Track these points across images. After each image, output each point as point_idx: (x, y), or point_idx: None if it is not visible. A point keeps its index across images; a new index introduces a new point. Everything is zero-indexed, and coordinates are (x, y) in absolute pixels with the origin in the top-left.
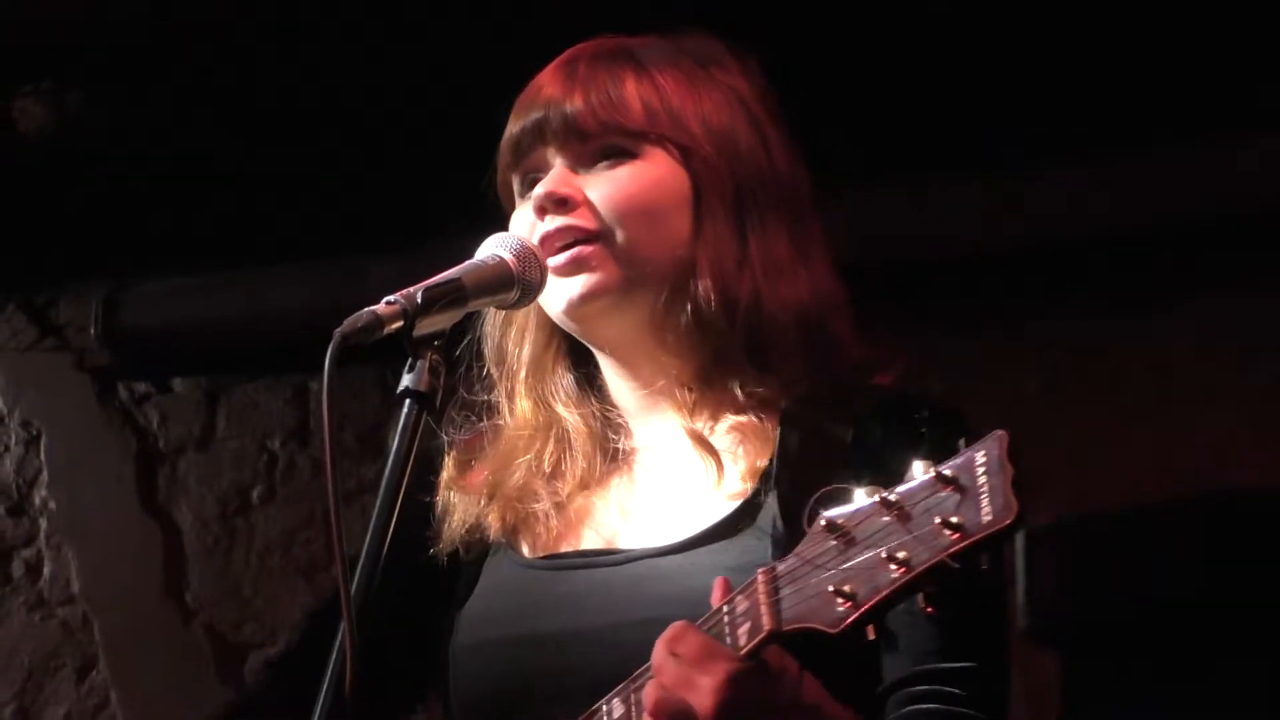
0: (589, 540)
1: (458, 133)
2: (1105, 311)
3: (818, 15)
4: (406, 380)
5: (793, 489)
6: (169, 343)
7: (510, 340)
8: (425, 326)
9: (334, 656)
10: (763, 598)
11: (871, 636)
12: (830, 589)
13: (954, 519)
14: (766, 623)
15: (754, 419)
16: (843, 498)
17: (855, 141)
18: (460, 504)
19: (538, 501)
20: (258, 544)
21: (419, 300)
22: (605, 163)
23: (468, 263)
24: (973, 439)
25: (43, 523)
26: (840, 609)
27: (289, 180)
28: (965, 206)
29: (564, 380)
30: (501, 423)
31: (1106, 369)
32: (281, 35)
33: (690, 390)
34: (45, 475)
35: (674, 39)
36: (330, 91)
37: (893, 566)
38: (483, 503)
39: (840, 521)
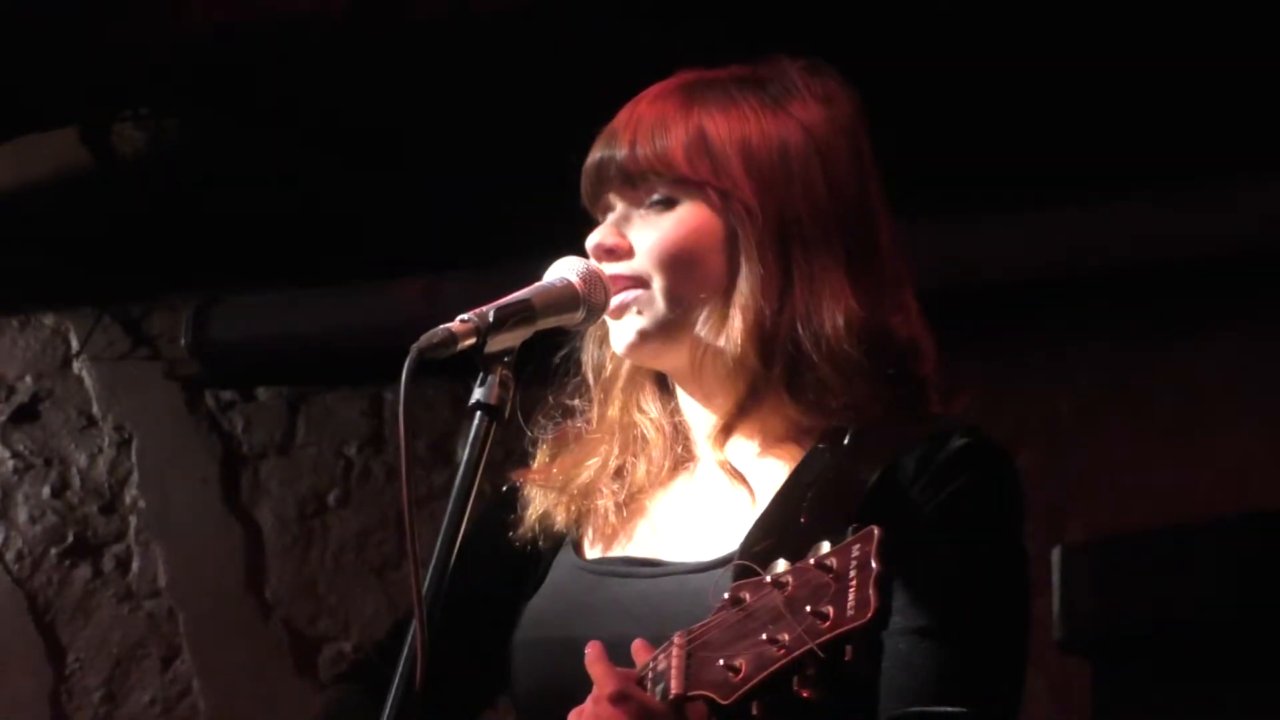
0: (639, 545)
1: (531, 154)
2: (1137, 339)
3: (860, 42)
4: (478, 394)
5: (767, 531)
6: (254, 354)
7: (609, 354)
8: (496, 343)
9: (405, 654)
10: (676, 662)
11: (755, 713)
12: (721, 662)
13: (825, 609)
14: (675, 686)
15: (796, 447)
16: (765, 562)
17: (900, 166)
18: (536, 497)
19: (600, 498)
20: (333, 544)
21: (491, 318)
22: (653, 209)
23: (537, 284)
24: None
25: (132, 520)
26: (733, 681)
27: (370, 201)
28: (1004, 234)
29: (649, 393)
30: (585, 424)
31: (1137, 394)
32: (364, 61)
33: (729, 421)
34: (135, 476)
35: (754, 68)
36: (410, 114)
37: (774, 648)
38: (552, 494)
39: (742, 595)
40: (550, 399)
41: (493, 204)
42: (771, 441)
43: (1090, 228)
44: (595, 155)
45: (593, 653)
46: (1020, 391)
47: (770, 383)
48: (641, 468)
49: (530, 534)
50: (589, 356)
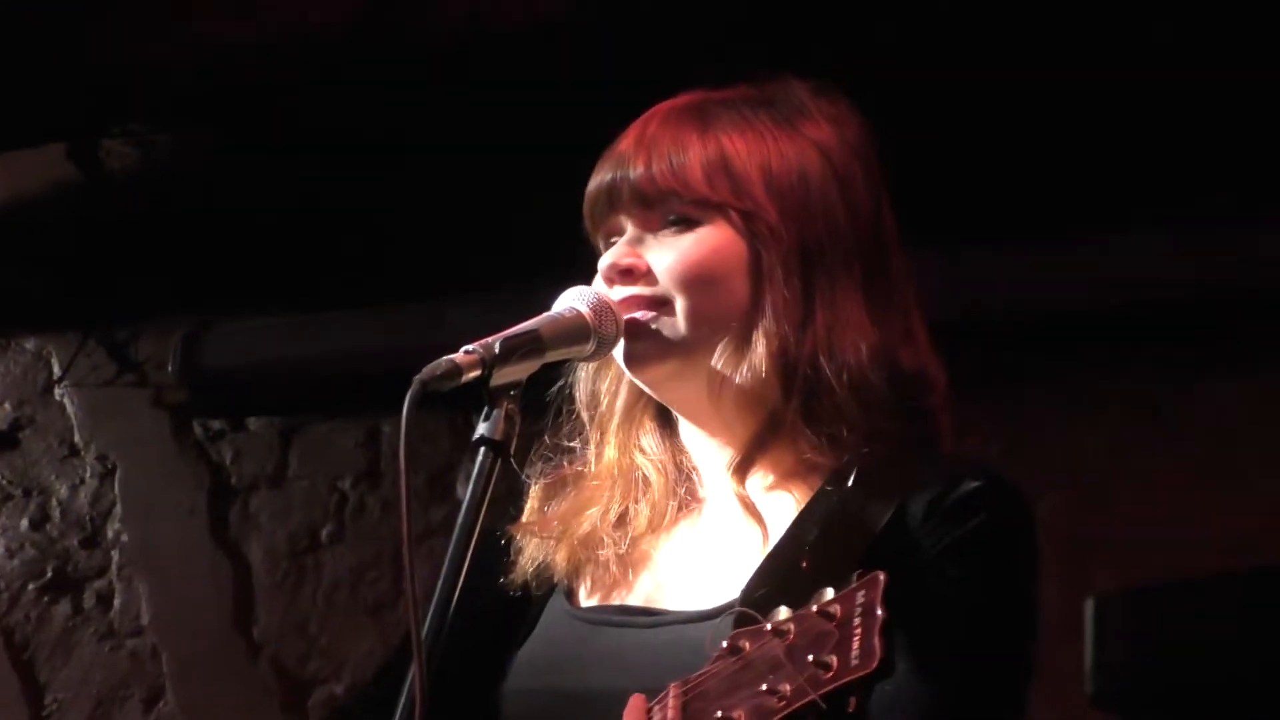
0: (638, 593)
1: (538, 179)
2: (1169, 374)
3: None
4: (482, 429)
5: (769, 577)
6: (245, 382)
7: (604, 389)
8: (502, 376)
9: (403, 699)
10: (672, 713)
11: None
12: (719, 714)
13: (827, 658)
14: None
15: (805, 486)
16: (767, 609)
17: (914, 191)
18: (530, 545)
19: (601, 549)
20: (326, 582)
21: (497, 350)
22: (670, 230)
23: (545, 315)
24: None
25: (115, 555)
26: None
27: (368, 223)
28: (1025, 264)
29: (649, 430)
30: (585, 470)
31: (1170, 433)
32: (368, 77)
33: (746, 453)
34: (119, 508)
35: (762, 88)
36: (416, 132)
37: (773, 699)
38: (551, 545)
39: (741, 644)
40: (545, 439)
41: (500, 226)
42: (782, 477)
43: (1117, 256)
44: (604, 176)
45: (633, 703)
46: (1044, 431)
47: (789, 413)
48: (644, 514)
49: (523, 580)
50: (582, 392)
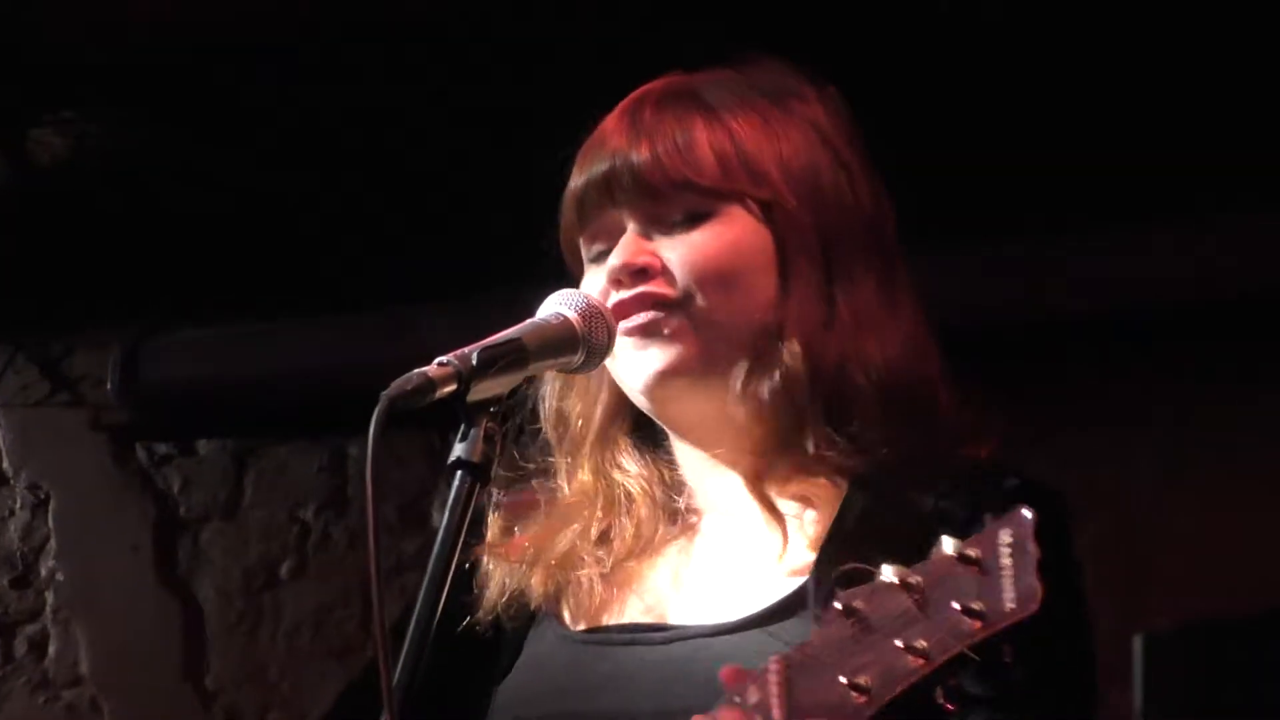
0: (636, 612)
1: (518, 173)
2: (1227, 385)
3: (900, 73)
4: (459, 450)
5: (838, 559)
6: (193, 400)
7: (572, 404)
8: (481, 391)
9: None
10: (774, 689)
11: None
12: (844, 680)
13: (975, 605)
14: (778, 716)
15: (828, 484)
16: (866, 576)
17: (965, 199)
18: (499, 571)
19: (582, 568)
20: (286, 623)
21: (474, 362)
22: (681, 224)
23: (529, 321)
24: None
25: (49, 596)
26: (856, 703)
27: (329, 222)
28: (1067, 264)
29: (625, 450)
30: (556, 490)
31: (1226, 450)
32: (324, 72)
33: (762, 455)
34: (54, 544)
35: (745, 71)
36: (376, 126)
37: (910, 657)
38: (524, 569)
39: (856, 605)
40: (513, 454)
41: (476, 223)
42: (801, 482)
43: (1170, 256)
44: (597, 168)
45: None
46: (1088, 448)
47: (810, 416)
48: (629, 531)
49: (491, 615)
50: (548, 409)
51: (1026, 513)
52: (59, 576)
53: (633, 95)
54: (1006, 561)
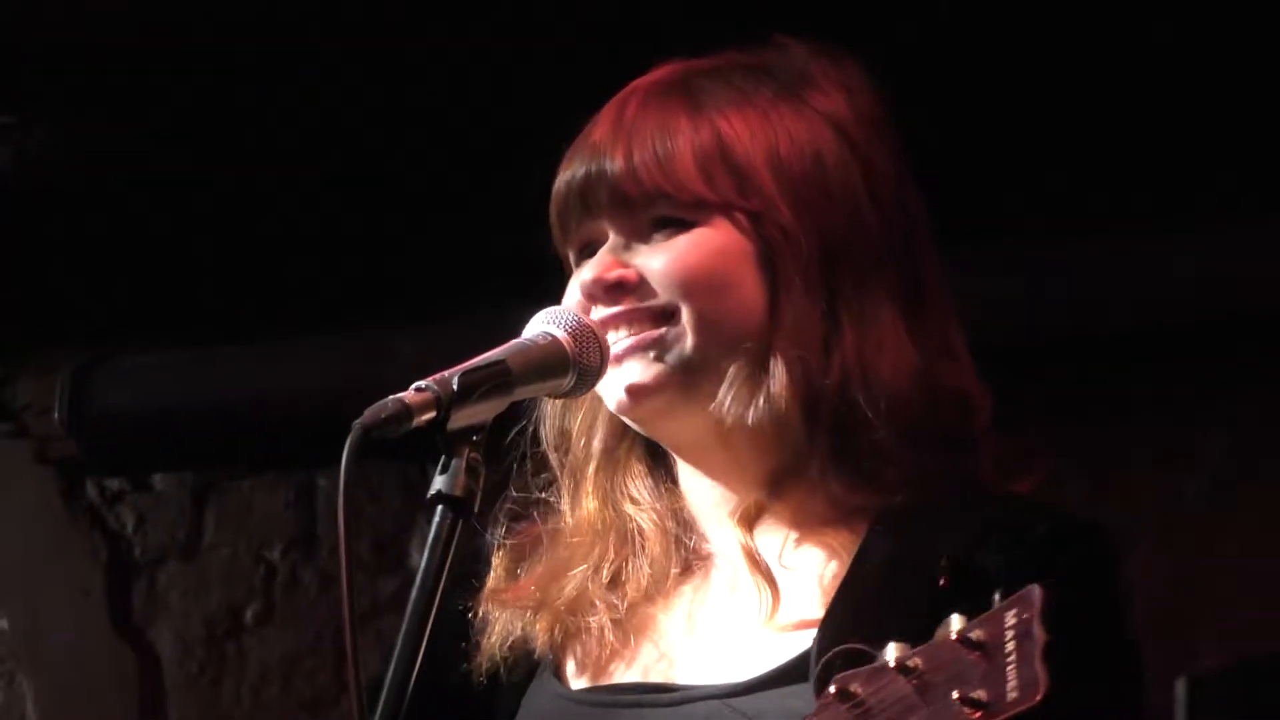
0: (645, 665)
1: (502, 183)
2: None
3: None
4: (439, 483)
5: (842, 628)
6: (148, 430)
7: (577, 428)
8: (462, 418)
9: None
10: None
11: None
12: None
13: (975, 694)
14: None
15: (844, 527)
16: (865, 655)
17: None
18: (502, 618)
19: (593, 614)
20: (251, 673)
21: (455, 387)
22: (660, 233)
23: (514, 342)
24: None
25: None
26: None
27: (295, 239)
28: (1116, 281)
29: (638, 476)
30: (560, 525)
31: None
32: (287, 63)
33: (760, 500)
34: None
35: (758, 54)
36: (351, 125)
37: None
38: (528, 615)
39: (854, 689)
40: (511, 490)
41: (452, 243)
42: (812, 525)
43: (1217, 260)
44: (574, 172)
45: None
46: (1130, 473)
47: (815, 450)
48: (644, 573)
49: (491, 662)
50: (549, 431)
51: (1037, 592)
52: (2, 624)
53: (628, 87)
54: (1010, 646)
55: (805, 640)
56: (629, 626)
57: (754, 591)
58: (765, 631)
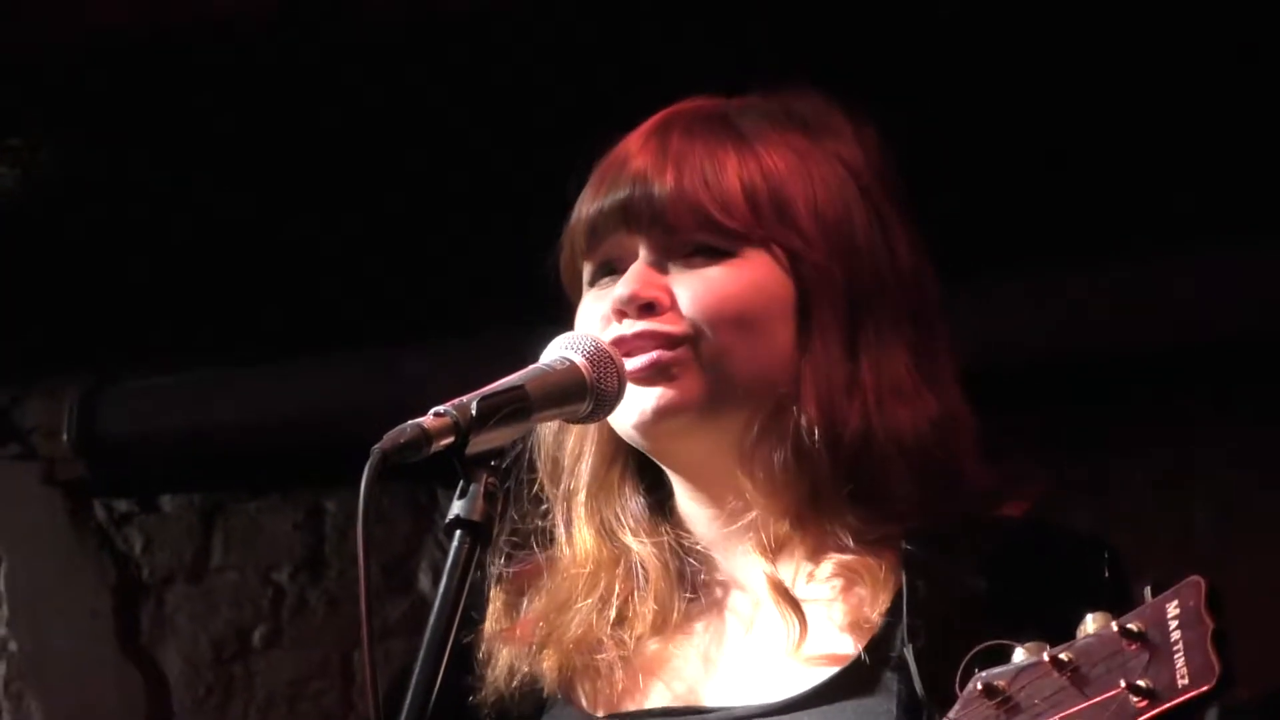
0: (664, 696)
1: (511, 202)
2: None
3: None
4: (458, 508)
5: (931, 644)
6: (156, 452)
7: (568, 453)
8: (480, 444)
9: None
10: None
11: None
12: None
13: (1142, 682)
14: None
15: (866, 559)
16: (1000, 656)
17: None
18: (506, 654)
19: (601, 652)
20: (259, 695)
21: (474, 412)
22: (698, 258)
23: (531, 367)
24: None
25: (1, 666)
26: None
27: (303, 259)
28: (1124, 308)
29: (632, 503)
30: (558, 555)
31: None
32: (297, 76)
33: (780, 531)
34: (5, 609)
35: (781, 99)
36: (356, 142)
37: None
38: (533, 651)
39: (1000, 684)
40: (511, 516)
41: (461, 263)
42: (830, 556)
43: (1227, 282)
44: (616, 194)
45: None
46: (1141, 499)
47: (836, 485)
48: (649, 609)
49: (496, 697)
50: (543, 458)
51: (1201, 581)
52: (11, 646)
53: (660, 115)
54: (1176, 634)
55: (840, 660)
56: (638, 663)
57: (778, 621)
58: (791, 661)
